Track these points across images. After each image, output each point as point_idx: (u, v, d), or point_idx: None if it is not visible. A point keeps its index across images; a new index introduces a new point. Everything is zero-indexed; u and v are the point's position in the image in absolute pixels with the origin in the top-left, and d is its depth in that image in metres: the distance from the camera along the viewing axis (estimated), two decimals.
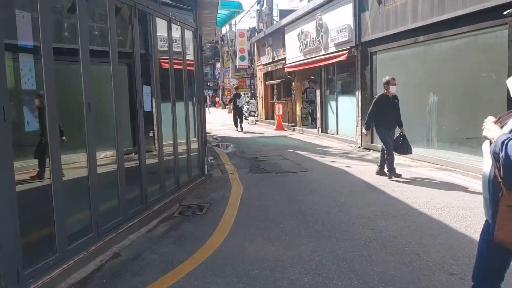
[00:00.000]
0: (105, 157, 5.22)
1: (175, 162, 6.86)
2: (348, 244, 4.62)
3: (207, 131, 19.19)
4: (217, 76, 55.58)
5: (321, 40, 14.59)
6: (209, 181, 8.20)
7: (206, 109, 36.38)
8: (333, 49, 13.84)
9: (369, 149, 11.91)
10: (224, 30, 43.28)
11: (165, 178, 6.48)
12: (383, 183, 7.54)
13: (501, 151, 2.14)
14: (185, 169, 7.41)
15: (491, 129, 2.32)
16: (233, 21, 40.22)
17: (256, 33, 26.47)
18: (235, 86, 24.58)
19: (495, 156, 2.27)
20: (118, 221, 5.03)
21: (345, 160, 10.26)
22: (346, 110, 13.80)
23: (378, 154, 11.01)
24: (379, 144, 11.59)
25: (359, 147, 12.48)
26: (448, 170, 8.54)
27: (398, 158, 10.02)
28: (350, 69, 13.54)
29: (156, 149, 6.29)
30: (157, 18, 6.29)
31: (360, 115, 12.51)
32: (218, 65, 52.47)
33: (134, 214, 5.42)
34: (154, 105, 6.15)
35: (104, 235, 4.69)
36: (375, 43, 11.53)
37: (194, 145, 7.96)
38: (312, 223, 5.37)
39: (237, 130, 19.15)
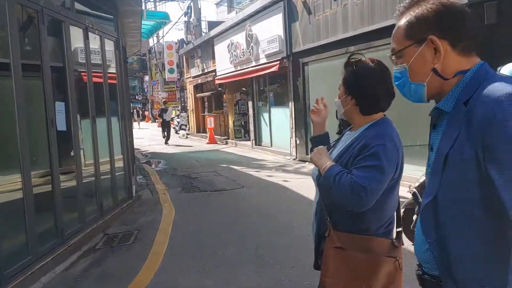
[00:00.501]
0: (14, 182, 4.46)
1: (97, 184, 6.13)
2: (293, 271, 4.19)
3: (136, 147, 18.28)
4: (146, 89, 54.06)
5: (251, 51, 14.31)
6: (137, 204, 7.50)
7: (136, 123, 35.28)
8: (264, 60, 13.59)
9: (304, 161, 11.71)
10: (151, 42, 42.32)
11: (85, 204, 5.73)
12: None
13: (333, 185, 1.85)
14: (109, 192, 6.68)
15: (322, 154, 2.02)
16: (160, 33, 39.33)
17: (184, 45, 25.83)
18: (164, 100, 23.94)
19: (321, 188, 2.02)
20: (27, 262, 4.26)
21: (281, 174, 9.94)
22: (280, 122, 13.58)
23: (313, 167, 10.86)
24: None
25: (294, 159, 12.26)
26: None
27: None
28: (282, 80, 13.35)
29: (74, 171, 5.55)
30: (72, 27, 5.60)
31: (294, 126, 12.31)
32: (147, 78, 51.03)
33: (48, 250, 4.66)
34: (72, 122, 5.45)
35: (8, 281, 3.91)
36: (306, 53, 11.40)
37: (119, 164, 7.25)
38: (253, 249, 4.90)
39: (166, 144, 18.90)
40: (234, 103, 17.98)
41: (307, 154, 11.76)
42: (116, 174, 7.02)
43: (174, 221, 6.30)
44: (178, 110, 30.68)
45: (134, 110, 43.14)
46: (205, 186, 8.82)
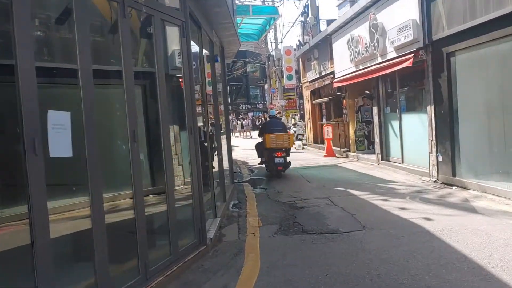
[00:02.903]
0: None
1: (139, 232, 4.10)
2: None
3: (245, 160, 16.55)
4: (267, 98, 53.24)
5: (376, 44, 11.59)
6: (213, 252, 5.38)
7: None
8: (393, 55, 10.79)
9: (450, 185, 8.67)
10: (270, 48, 41.15)
11: (122, 261, 3.73)
12: (499, 258, 4.41)
13: None
14: (164, 238, 4.66)
15: None
16: (279, 38, 37.98)
17: (301, 48, 23.70)
18: (278, 111, 24.34)
19: None
20: None
21: (420, 206, 7.13)
22: (414, 132, 10.62)
23: (465, 193, 7.83)
24: (465, 178, 8.37)
25: (435, 181, 9.26)
26: None
27: (489, 198, 6.79)
28: (417, 78, 10.43)
29: (92, 214, 3.57)
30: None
31: (434, 138, 9.32)
32: (267, 86, 50.08)
33: None
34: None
35: None
36: (453, 40, 8.40)
37: (185, 197, 5.25)
38: None
39: None
40: (355, 109, 15.26)
41: (454, 175, 8.71)
42: (182, 210, 5.05)
43: None
44: (294, 118, 28.61)
45: (262, 119, 42.09)
46: (311, 223, 6.42)
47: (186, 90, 5.16)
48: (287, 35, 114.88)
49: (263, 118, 42.40)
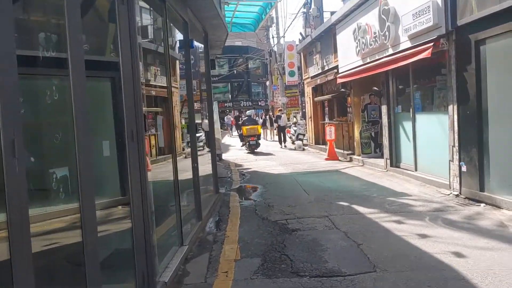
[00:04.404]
0: None
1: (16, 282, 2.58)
2: None
3: (239, 163, 15.03)
4: (269, 95, 51.65)
5: (387, 33, 10.01)
6: None
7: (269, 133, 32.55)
8: (407, 45, 9.22)
9: (477, 201, 7.13)
10: (272, 43, 39.58)
11: None
12: None
13: None
14: None
15: None
16: (281, 32, 36.44)
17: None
18: (279, 109, 26.74)
19: None
20: None
21: (445, 232, 5.57)
22: (431, 135, 9.06)
23: (499, 214, 6.26)
24: (497, 195, 6.78)
25: (456, 195, 7.72)
26: None
27: None
28: (436, 73, 8.87)
29: None
30: None
31: (457, 143, 7.77)
32: (268, 83, 48.46)
33: None
34: None
35: None
36: (484, 24, 6.83)
37: (121, 223, 3.75)
38: None
39: (281, 148, 21.19)
40: (361, 108, 13.65)
41: (481, 190, 7.16)
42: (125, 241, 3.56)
43: None
44: (295, 117, 27.06)
45: (267, 117, 40.10)
46: (304, 257, 4.87)
47: (125, 82, 3.62)
48: (290, 30, 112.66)
49: (266, 116, 40.70)
